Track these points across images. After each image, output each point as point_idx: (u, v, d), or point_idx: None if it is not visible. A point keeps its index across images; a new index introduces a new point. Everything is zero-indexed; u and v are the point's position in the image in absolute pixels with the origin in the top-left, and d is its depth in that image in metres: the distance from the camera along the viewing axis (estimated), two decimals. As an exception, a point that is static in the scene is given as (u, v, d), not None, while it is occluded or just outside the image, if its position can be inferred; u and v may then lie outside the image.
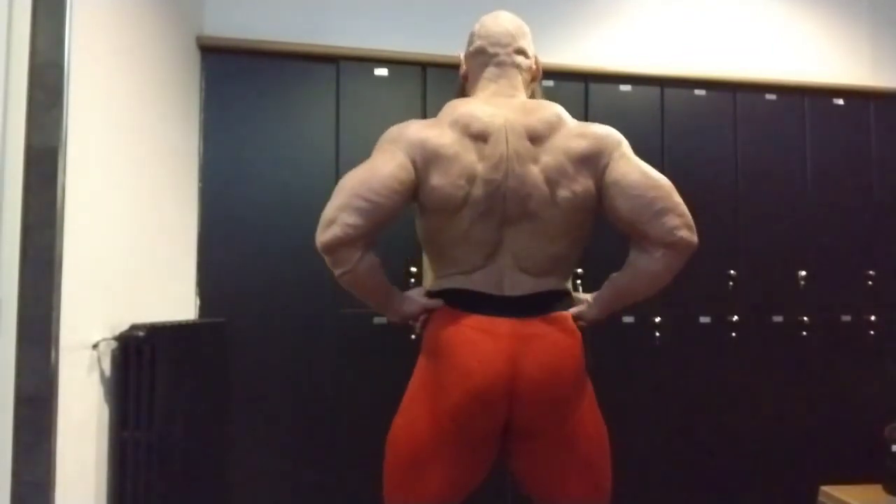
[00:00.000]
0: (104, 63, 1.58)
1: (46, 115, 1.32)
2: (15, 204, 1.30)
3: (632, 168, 1.23)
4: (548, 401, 1.18)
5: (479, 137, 1.23)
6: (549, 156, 1.23)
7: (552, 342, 1.20)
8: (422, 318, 1.32)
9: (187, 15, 2.24)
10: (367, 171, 1.19)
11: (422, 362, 1.27)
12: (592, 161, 1.24)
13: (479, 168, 1.22)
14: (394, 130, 1.26)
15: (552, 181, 1.23)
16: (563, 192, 1.22)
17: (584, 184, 1.23)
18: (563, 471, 1.22)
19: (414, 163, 1.21)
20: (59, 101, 1.33)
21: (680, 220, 1.19)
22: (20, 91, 1.31)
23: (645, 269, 1.23)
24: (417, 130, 1.24)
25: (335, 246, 1.14)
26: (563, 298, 1.29)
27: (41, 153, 1.31)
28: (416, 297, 1.33)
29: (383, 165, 1.19)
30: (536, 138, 1.24)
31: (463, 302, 1.24)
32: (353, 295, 1.25)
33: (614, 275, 1.31)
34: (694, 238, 1.20)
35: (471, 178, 1.21)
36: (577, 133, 1.26)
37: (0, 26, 1.29)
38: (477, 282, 1.24)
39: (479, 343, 1.18)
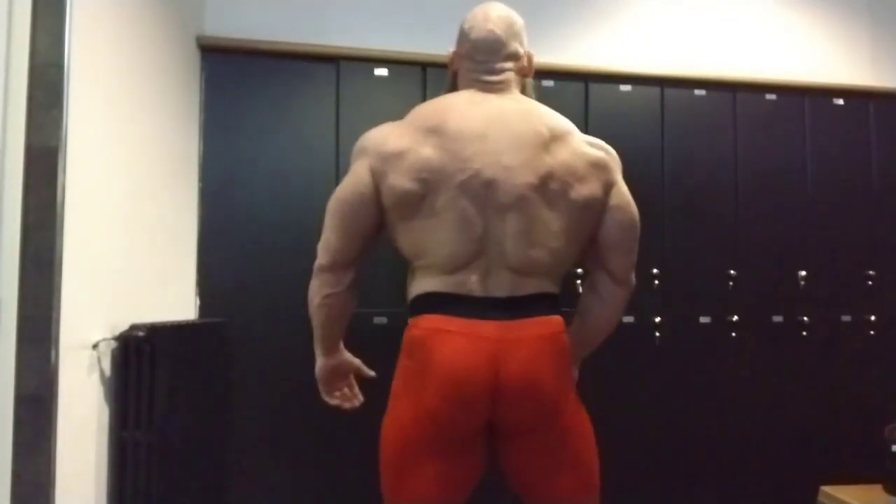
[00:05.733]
0: (104, 63, 1.58)
1: (46, 115, 1.32)
2: (15, 204, 1.30)
3: (629, 198, 1.31)
4: (530, 404, 1.18)
5: (436, 131, 1.22)
6: (561, 154, 1.24)
7: (536, 346, 1.19)
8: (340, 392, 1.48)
9: (187, 15, 2.24)
10: (339, 189, 1.29)
11: (403, 362, 1.27)
12: (603, 171, 1.27)
13: (439, 161, 1.20)
14: (359, 141, 1.31)
15: (560, 179, 1.22)
16: (572, 192, 1.23)
17: (593, 187, 1.26)
18: (551, 470, 1.23)
19: (372, 169, 1.25)
20: (59, 101, 1.33)
21: (634, 262, 1.31)
22: (20, 91, 1.31)
23: (609, 307, 1.34)
24: (376, 136, 1.28)
25: (329, 266, 1.27)
26: (550, 301, 1.26)
27: (41, 153, 1.31)
28: (351, 360, 1.48)
29: (345, 182, 1.28)
30: (541, 137, 1.24)
31: (444, 304, 1.22)
32: (316, 322, 1.34)
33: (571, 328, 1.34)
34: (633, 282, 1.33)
35: (429, 172, 1.20)
36: (587, 141, 1.29)
37: (0, 26, 1.29)
38: (459, 283, 1.21)
39: (459, 346, 1.17)
